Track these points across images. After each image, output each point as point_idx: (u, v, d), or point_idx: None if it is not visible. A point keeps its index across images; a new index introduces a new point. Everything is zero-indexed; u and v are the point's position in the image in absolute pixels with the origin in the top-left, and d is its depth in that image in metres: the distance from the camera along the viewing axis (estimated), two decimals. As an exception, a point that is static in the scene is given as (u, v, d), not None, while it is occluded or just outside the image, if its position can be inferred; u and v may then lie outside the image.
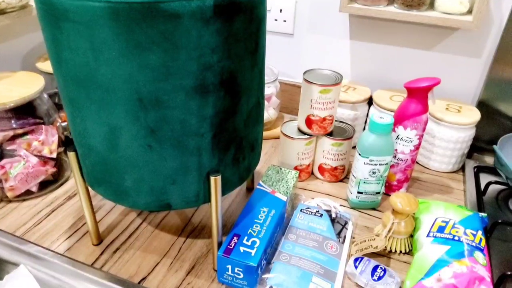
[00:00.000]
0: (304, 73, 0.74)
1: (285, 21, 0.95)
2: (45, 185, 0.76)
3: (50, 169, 0.75)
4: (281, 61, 1.01)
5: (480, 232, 0.59)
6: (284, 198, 0.65)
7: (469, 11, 0.75)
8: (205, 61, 0.45)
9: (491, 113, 0.84)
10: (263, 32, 0.53)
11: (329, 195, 0.77)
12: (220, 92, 0.48)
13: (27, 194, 0.74)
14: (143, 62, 0.43)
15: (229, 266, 0.55)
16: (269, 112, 0.93)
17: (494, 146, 0.73)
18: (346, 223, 0.65)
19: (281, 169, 0.72)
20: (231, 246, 0.56)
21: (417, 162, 0.86)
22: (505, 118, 0.83)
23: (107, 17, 0.41)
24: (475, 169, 0.82)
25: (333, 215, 0.65)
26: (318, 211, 0.66)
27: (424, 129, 0.69)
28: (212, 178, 0.52)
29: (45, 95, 0.78)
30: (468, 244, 0.56)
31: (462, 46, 0.83)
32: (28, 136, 0.74)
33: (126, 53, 0.43)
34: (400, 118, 0.68)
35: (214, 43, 0.44)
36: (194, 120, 0.48)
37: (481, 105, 0.84)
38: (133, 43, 0.42)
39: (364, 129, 0.91)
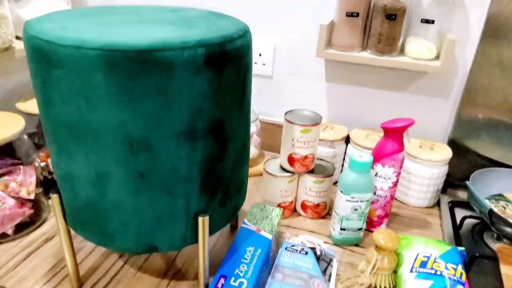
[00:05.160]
0: (286, 113, 0.76)
1: (264, 64, 0.99)
2: (22, 228, 0.73)
3: (28, 210, 0.73)
4: (261, 102, 1.05)
5: (460, 266, 0.61)
6: (269, 236, 0.65)
7: (437, 57, 0.81)
8: (196, 108, 0.46)
9: (462, 150, 0.88)
10: (250, 79, 0.55)
11: (312, 232, 0.77)
12: (209, 139, 0.49)
13: (2, 237, 0.71)
14: (135, 108, 0.44)
15: (217, 309, 0.54)
16: (251, 150, 0.95)
17: (467, 182, 0.76)
18: (331, 260, 0.66)
19: (265, 206, 0.73)
20: None
21: (395, 198, 0.89)
22: (475, 155, 0.88)
23: (100, 64, 0.42)
24: (450, 204, 0.85)
25: (318, 253, 0.66)
26: (303, 249, 0.66)
27: (401, 167, 0.72)
28: (200, 219, 0.52)
29: (25, 136, 0.77)
30: (450, 278, 0.58)
31: (432, 88, 0.89)
32: (6, 177, 0.72)
33: (118, 99, 0.44)
34: (378, 156, 0.71)
35: (205, 91, 0.46)
36: (184, 165, 0.49)
37: (452, 143, 0.89)
38: (125, 89, 0.43)
39: (342, 166, 0.94)
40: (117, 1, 1.06)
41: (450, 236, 0.77)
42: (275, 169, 0.79)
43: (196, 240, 0.55)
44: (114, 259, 0.69)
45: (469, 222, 0.80)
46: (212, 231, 0.57)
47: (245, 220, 0.69)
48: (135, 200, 0.50)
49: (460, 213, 0.82)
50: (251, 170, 0.96)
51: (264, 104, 1.05)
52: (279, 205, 0.79)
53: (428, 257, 0.62)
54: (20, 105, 0.85)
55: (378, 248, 0.63)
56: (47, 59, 0.44)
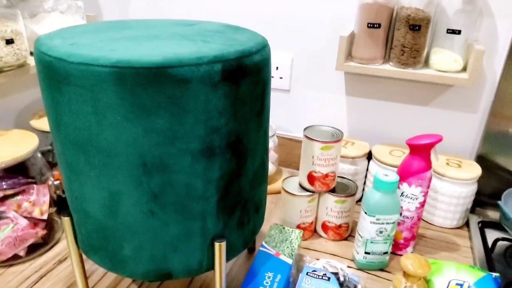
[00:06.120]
0: (305, 129, 0.73)
1: (281, 77, 0.97)
2: (34, 249, 0.71)
3: (40, 231, 0.71)
4: (278, 116, 1.02)
5: (497, 296, 0.56)
6: (289, 261, 0.62)
7: (464, 68, 0.77)
8: (212, 124, 0.44)
9: (491, 167, 0.84)
10: (268, 93, 0.52)
11: (334, 255, 0.73)
12: (227, 154, 0.47)
13: (14, 259, 0.69)
14: (149, 126, 0.42)
15: None
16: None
17: (499, 202, 0.72)
18: (355, 286, 0.61)
19: (284, 228, 0.69)
20: (235, 317, 0.52)
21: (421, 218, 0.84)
22: (505, 172, 0.83)
23: (112, 82, 0.40)
24: (480, 225, 0.80)
25: (341, 279, 0.62)
26: (325, 274, 0.62)
27: (428, 186, 0.68)
28: (216, 245, 0.49)
29: (39, 154, 0.76)
30: (486, 310, 0.53)
31: (458, 101, 0.85)
32: (19, 197, 0.70)
33: (131, 117, 0.41)
34: (404, 175, 0.67)
35: (222, 106, 0.44)
36: (200, 184, 0.46)
37: (481, 159, 0.84)
38: (138, 107, 0.41)
39: (364, 183, 0.90)
40: (132, 15, 1.06)
41: (481, 259, 0.72)
42: (294, 188, 0.75)
43: (212, 266, 0.52)
44: (128, 282, 0.66)
45: (501, 244, 0.74)
46: (229, 256, 0.54)
47: (263, 243, 0.65)
48: (148, 223, 0.47)
49: (490, 234, 0.77)
50: (269, 188, 0.92)
51: (281, 118, 1.02)
52: (298, 226, 0.75)
53: (461, 285, 0.57)
54: (34, 122, 0.84)
55: (406, 274, 0.58)
56: (57, 76, 0.42)
